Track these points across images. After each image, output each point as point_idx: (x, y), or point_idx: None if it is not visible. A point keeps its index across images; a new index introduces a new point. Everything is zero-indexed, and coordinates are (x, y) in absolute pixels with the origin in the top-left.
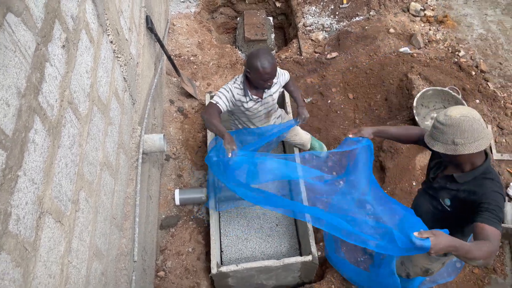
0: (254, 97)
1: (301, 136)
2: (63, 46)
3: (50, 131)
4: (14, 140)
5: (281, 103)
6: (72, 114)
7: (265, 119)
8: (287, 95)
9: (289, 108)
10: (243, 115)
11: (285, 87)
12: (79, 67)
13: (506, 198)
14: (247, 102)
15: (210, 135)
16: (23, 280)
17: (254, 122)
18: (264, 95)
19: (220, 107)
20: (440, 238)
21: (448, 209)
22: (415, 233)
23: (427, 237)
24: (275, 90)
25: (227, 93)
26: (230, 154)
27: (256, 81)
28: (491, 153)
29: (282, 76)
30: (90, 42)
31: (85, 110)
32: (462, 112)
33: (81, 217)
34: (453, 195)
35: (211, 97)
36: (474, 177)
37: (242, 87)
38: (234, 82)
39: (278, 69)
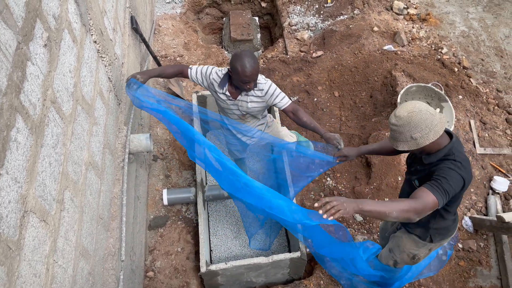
0: (228, 93)
1: (286, 141)
2: (45, 45)
3: (32, 130)
4: None
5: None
6: (56, 114)
7: (240, 119)
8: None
9: (277, 114)
10: (217, 103)
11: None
12: (62, 67)
13: (490, 191)
14: (220, 94)
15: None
16: (8, 278)
17: (226, 114)
18: (239, 97)
19: (190, 72)
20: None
21: (417, 187)
22: (317, 206)
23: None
24: (254, 100)
25: (205, 69)
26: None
27: (235, 81)
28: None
29: (271, 92)
30: (73, 42)
31: (69, 110)
32: (408, 109)
33: (66, 216)
34: (421, 175)
35: (198, 97)
36: (438, 158)
37: (221, 78)
38: (220, 70)
39: (272, 89)
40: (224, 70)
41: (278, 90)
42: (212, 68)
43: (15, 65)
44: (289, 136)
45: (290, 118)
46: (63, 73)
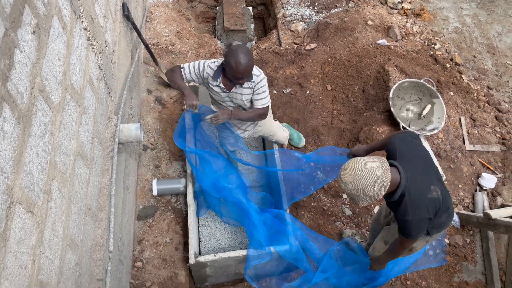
0: (222, 85)
1: (278, 137)
2: (34, 32)
3: (20, 119)
4: None
5: None
6: (44, 102)
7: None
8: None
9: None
10: (210, 96)
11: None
12: (51, 54)
13: (477, 188)
14: (213, 86)
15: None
16: None
17: (219, 106)
18: (233, 89)
19: (184, 73)
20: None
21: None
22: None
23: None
24: (247, 92)
25: (198, 67)
26: (186, 109)
27: (229, 75)
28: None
29: (258, 87)
30: (62, 29)
31: (58, 99)
32: (350, 173)
33: (53, 207)
34: (392, 209)
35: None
36: (397, 198)
37: (214, 69)
38: (212, 62)
39: (261, 84)
40: (217, 61)
41: (266, 88)
42: (204, 62)
43: (2, 52)
44: (281, 130)
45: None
46: (52, 61)
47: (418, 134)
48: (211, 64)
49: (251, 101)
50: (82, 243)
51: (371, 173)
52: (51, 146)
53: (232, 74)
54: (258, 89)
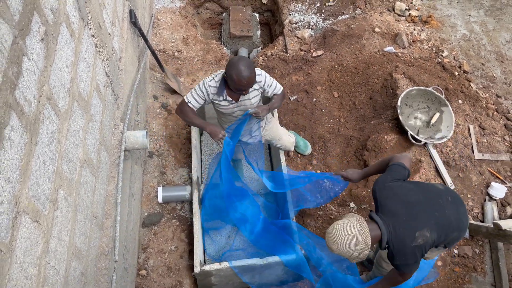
0: (229, 98)
1: (284, 141)
2: (42, 39)
3: (27, 127)
4: None
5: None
6: (51, 110)
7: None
8: None
9: (275, 112)
10: (219, 111)
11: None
12: (59, 62)
13: (487, 197)
14: (220, 101)
15: (194, 137)
16: None
17: (230, 120)
18: (241, 98)
19: (192, 106)
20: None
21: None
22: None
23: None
24: (254, 95)
25: (200, 92)
26: (220, 143)
27: (231, 87)
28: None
29: (268, 83)
30: (70, 36)
31: (65, 106)
32: (331, 241)
33: (59, 216)
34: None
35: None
36: (383, 248)
37: (217, 86)
38: (212, 79)
39: (267, 76)
40: (216, 76)
41: (272, 79)
42: (204, 84)
43: (10, 60)
44: (287, 135)
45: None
46: (59, 69)
47: (426, 143)
48: (210, 82)
49: (260, 99)
50: (88, 252)
51: (350, 239)
52: (58, 154)
53: (235, 86)
54: (268, 85)
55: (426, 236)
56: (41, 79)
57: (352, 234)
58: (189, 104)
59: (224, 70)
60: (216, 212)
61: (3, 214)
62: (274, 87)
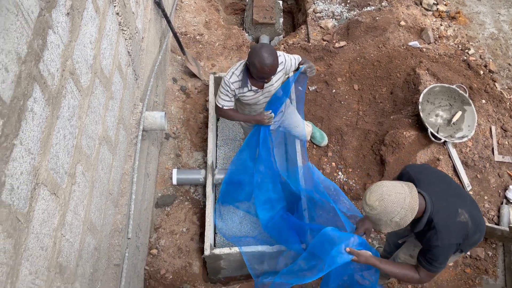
0: (254, 88)
1: (301, 129)
2: (68, 13)
3: (49, 100)
4: (12, 108)
5: None
6: (73, 85)
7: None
8: None
9: (292, 95)
10: (243, 104)
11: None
12: (83, 37)
13: (504, 200)
14: (245, 93)
15: (211, 121)
16: (14, 251)
17: (255, 109)
18: (265, 85)
19: (228, 107)
20: (360, 258)
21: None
22: (347, 249)
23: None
24: (277, 78)
25: (226, 91)
26: (272, 123)
27: (253, 74)
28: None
29: (289, 62)
30: (95, 12)
31: (87, 82)
32: (377, 197)
33: (77, 190)
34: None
35: (215, 79)
36: (422, 227)
37: (240, 78)
38: (231, 75)
39: (286, 56)
40: (237, 70)
41: (290, 56)
42: (224, 82)
43: (36, 32)
44: (306, 125)
45: None
46: (83, 44)
47: (446, 141)
48: (231, 79)
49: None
50: (102, 228)
51: (399, 199)
52: (78, 130)
53: (258, 74)
54: (290, 65)
55: (466, 216)
56: (65, 53)
57: (401, 193)
58: (224, 107)
59: (243, 60)
60: (237, 189)
61: (22, 185)
62: (294, 63)
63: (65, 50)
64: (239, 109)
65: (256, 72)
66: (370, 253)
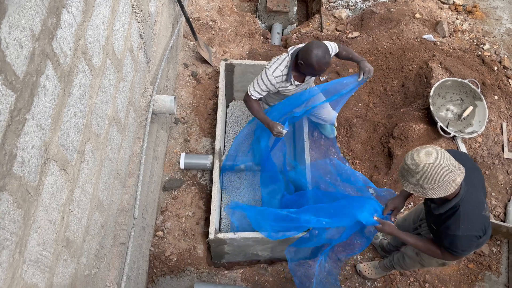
0: (297, 82)
1: (329, 110)
2: None
3: (61, 78)
4: (25, 83)
5: None
6: (85, 65)
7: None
8: None
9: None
10: (278, 95)
11: (339, 56)
12: (96, 18)
13: (511, 198)
14: (287, 87)
15: (220, 108)
16: (23, 222)
17: (281, 98)
18: (306, 78)
19: (257, 98)
20: (385, 227)
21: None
22: (375, 217)
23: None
24: None
25: (264, 85)
26: (283, 132)
27: (305, 72)
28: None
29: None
30: None
31: (99, 62)
32: (428, 159)
33: (85, 168)
34: (431, 223)
35: (226, 65)
36: (445, 211)
37: (285, 73)
38: (275, 70)
39: (329, 48)
40: (280, 65)
41: (329, 44)
42: (267, 76)
43: (50, 10)
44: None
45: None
46: (96, 25)
47: (455, 136)
48: (275, 73)
49: None
50: (109, 206)
51: (446, 172)
52: (88, 109)
53: (313, 72)
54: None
55: (488, 212)
56: (78, 32)
57: (451, 170)
58: (252, 97)
59: (286, 55)
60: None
61: (33, 159)
62: (335, 50)
63: (78, 29)
64: (269, 97)
65: (311, 70)
66: (394, 225)
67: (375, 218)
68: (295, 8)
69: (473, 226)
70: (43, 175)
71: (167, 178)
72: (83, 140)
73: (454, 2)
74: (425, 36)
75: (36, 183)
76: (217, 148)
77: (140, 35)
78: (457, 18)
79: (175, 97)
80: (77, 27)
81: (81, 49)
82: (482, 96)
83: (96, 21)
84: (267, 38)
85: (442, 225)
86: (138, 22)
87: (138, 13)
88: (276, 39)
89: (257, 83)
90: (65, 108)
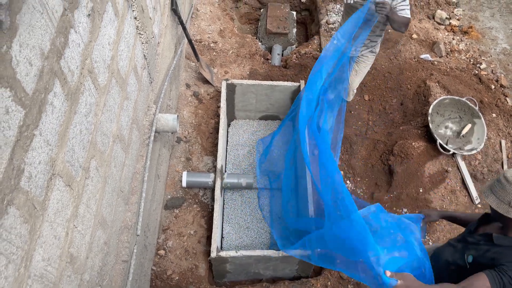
0: None
1: (356, 82)
2: (89, 15)
3: (68, 96)
4: (34, 100)
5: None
6: (91, 83)
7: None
8: None
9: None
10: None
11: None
12: (102, 38)
13: None
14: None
15: (222, 127)
16: (29, 236)
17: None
18: None
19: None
20: (406, 282)
21: (467, 266)
22: (387, 272)
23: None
24: None
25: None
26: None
27: None
28: (503, 168)
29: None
30: (114, 15)
31: (104, 81)
32: None
33: (90, 184)
34: (480, 254)
35: (227, 85)
36: (510, 245)
37: None
38: None
39: None
40: None
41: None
42: None
43: (59, 30)
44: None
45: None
46: (102, 45)
47: (455, 153)
48: None
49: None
50: (112, 223)
51: None
52: (93, 126)
53: None
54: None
55: None
56: (84, 52)
57: None
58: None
59: None
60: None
61: (39, 174)
62: (403, 8)
63: (85, 49)
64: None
65: None
66: (413, 277)
67: (387, 274)
68: (295, 30)
69: None
70: (49, 191)
71: (169, 197)
72: (88, 157)
73: (450, 23)
74: (422, 56)
75: (42, 198)
76: (218, 166)
77: (144, 55)
78: (453, 39)
79: (178, 115)
80: (84, 46)
81: (88, 68)
82: (480, 113)
83: (102, 41)
84: (267, 59)
85: (501, 256)
86: (142, 43)
87: (142, 35)
88: (276, 60)
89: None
90: (71, 125)
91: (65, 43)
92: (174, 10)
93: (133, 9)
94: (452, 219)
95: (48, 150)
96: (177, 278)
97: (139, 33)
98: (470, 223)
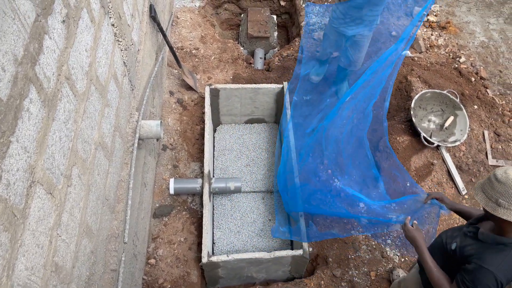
0: None
1: (361, 59)
2: (63, 21)
3: (45, 102)
4: (9, 106)
5: None
6: (69, 90)
7: None
8: None
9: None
10: None
11: None
12: (79, 45)
13: None
14: None
15: (207, 132)
16: (10, 245)
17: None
18: None
19: None
20: (411, 231)
21: (451, 252)
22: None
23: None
24: None
25: None
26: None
27: None
28: (487, 159)
29: None
30: (91, 22)
31: (83, 88)
32: None
33: (73, 192)
34: (463, 245)
35: (211, 90)
36: (492, 242)
37: None
38: None
39: None
40: None
41: None
42: None
43: (32, 36)
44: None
45: None
46: (79, 51)
47: (439, 146)
48: None
49: None
50: (98, 232)
51: None
52: (73, 133)
53: None
54: None
55: None
56: (60, 58)
57: None
58: None
59: None
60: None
61: (18, 181)
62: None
63: (61, 55)
64: None
65: None
66: (423, 235)
67: (407, 219)
68: (276, 33)
69: (506, 273)
70: (29, 198)
71: (157, 205)
72: (69, 164)
73: (428, 19)
74: (402, 52)
75: (22, 206)
76: (205, 171)
77: (124, 62)
78: (432, 34)
79: (161, 121)
80: (60, 53)
81: (65, 75)
82: (461, 105)
83: (79, 48)
84: (250, 63)
85: (483, 254)
86: (121, 50)
87: (121, 42)
88: (259, 64)
89: None
90: (50, 131)
91: (40, 49)
92: (153, 17)
93: (110, 16)
94: (460, 210)
95: (26, 157)
96: (169, 286)
97: (118, 40)
98: (477, 216)
